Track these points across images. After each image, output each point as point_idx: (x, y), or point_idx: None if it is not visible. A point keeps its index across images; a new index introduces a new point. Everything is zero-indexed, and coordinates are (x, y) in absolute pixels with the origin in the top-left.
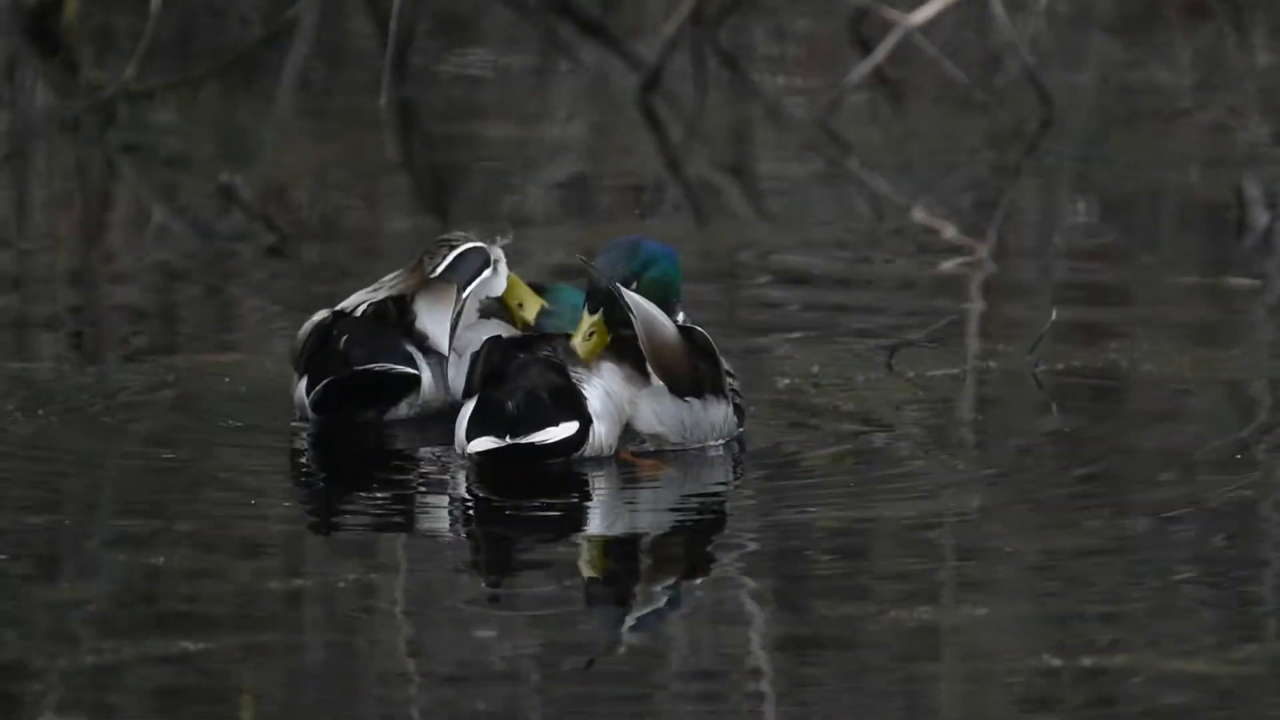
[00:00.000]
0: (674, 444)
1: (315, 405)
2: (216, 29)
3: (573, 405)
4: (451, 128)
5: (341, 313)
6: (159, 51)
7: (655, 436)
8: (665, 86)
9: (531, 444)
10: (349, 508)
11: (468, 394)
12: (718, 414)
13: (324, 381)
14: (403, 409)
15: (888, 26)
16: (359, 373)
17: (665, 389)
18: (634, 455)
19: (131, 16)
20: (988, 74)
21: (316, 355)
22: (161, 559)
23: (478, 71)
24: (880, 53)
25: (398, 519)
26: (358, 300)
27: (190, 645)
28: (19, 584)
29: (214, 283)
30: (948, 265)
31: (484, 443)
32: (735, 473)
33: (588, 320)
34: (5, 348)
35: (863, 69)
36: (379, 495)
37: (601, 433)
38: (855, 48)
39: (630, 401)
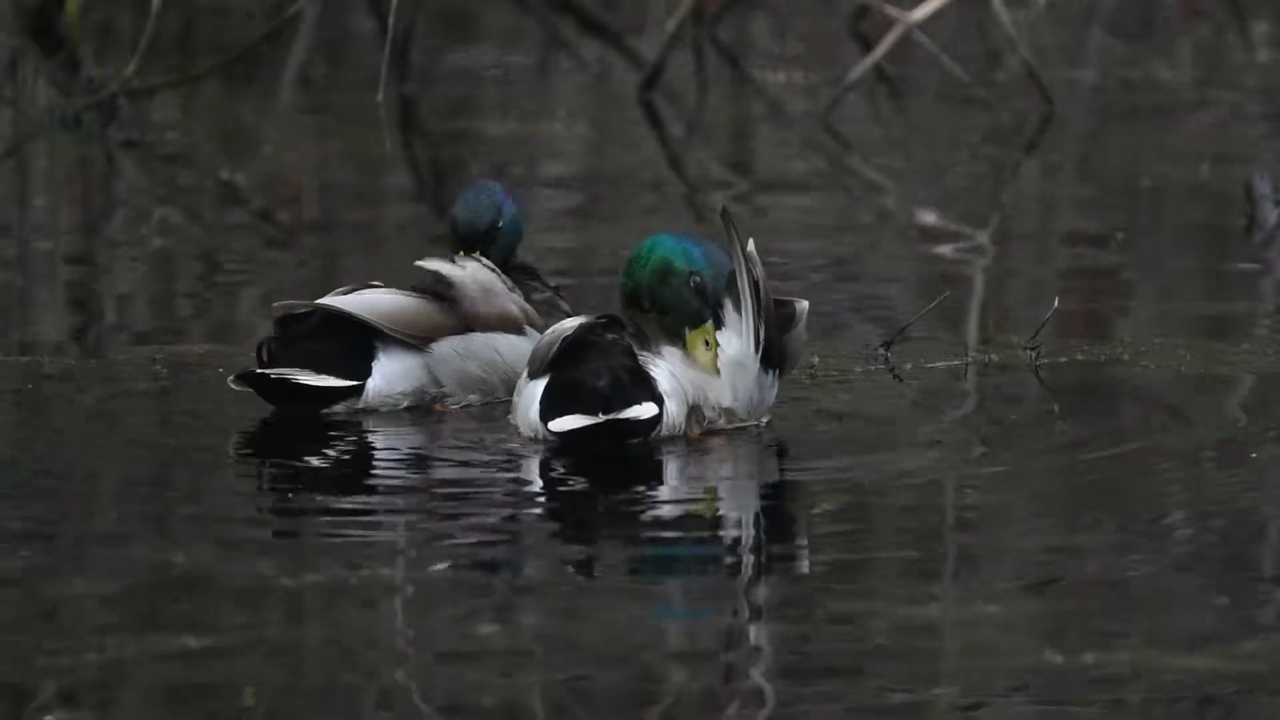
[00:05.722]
0: (740, 420)
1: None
2: (218, 26)
3: (645, 386)
4: (452, 124)
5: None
6: (160, 48)
7: (728, 411)
8: (666, 83)
9: (625, 420)
10: (354, 502)
11: (535, 375)
12: (774, 392)
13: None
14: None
15: (888, 23)
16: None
17: (746, 363)
18: (706, 434)
19: (133, 13)
20: (988, 71)
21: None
22: (164, 555)
23: (478, 68)
24: (880, 50)
25: (403, 512)
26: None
27: (192, 642)
28: (20, 580)
29: (213, 278)
30: (948, 260)
31: (571, 420)
32: (732, 466)
33: (703, 331)
34: (5, 342)
35: (863, 66)
36: (383, 488)
37: (673, 411)
38: (856, 45)
39: (697, 380)
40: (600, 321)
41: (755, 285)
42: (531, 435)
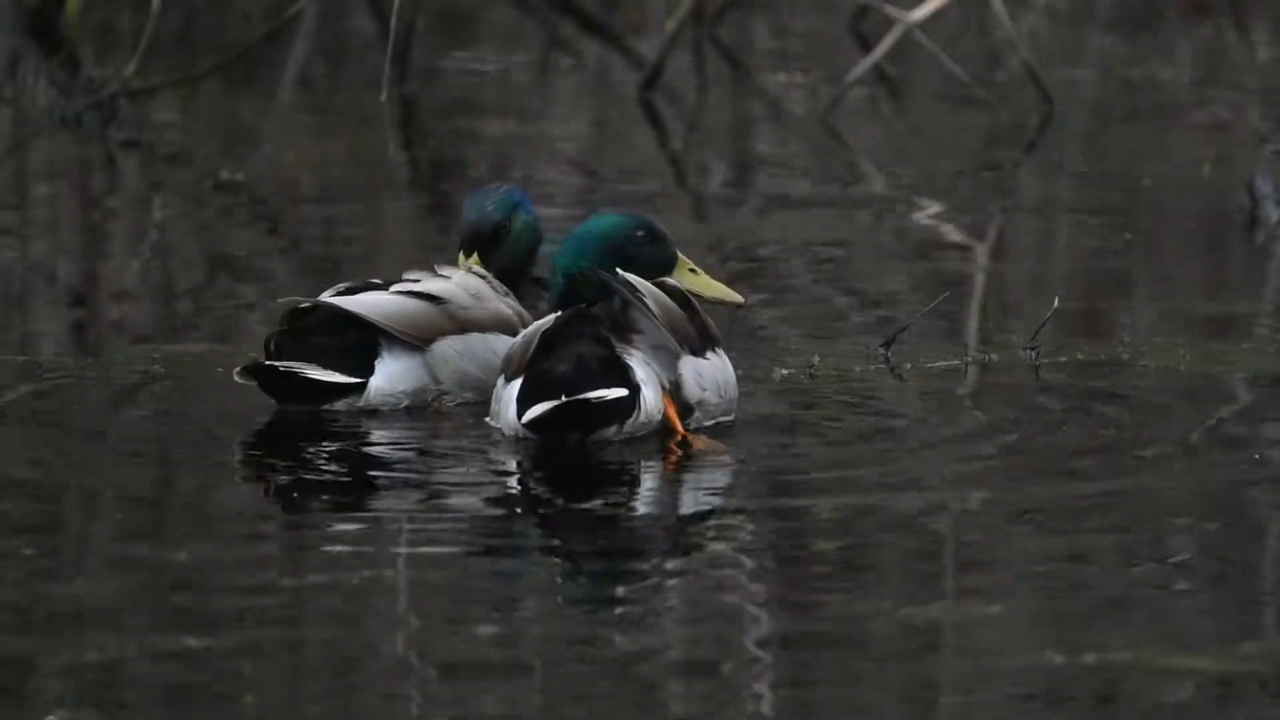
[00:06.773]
0: (714, 406)
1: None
2: (218, 25)
3: (620, 374)
4: (452, 124)
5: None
6: (160, 48)
7: (701, 404)
8: (666, 83)
9: (587, 400)
10: (354, 503)
11: (511, 377)
12: (729, 368)
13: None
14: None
15: (888, 23)
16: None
17: (686, 357)
18: (692, 433)
19: (133, 13)
20: (988, 71)
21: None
22: (164, 555)
23: (478, 68)
24: (880, 50)
25: (403, 513)
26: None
27: (192, 642)
28: (22, 579)
29: (212, 277)
30: (948, 259)
31: (537, 409)
32: (732, 465)
33: (682, 264)
34: (5, 341)
35: (863, 66)
36: (383, 490)
37: (650, 398)
38: (856, 45)
39: (668, 364)
40: (575, 316)
41: (642, 301)
42: (513, 435)
